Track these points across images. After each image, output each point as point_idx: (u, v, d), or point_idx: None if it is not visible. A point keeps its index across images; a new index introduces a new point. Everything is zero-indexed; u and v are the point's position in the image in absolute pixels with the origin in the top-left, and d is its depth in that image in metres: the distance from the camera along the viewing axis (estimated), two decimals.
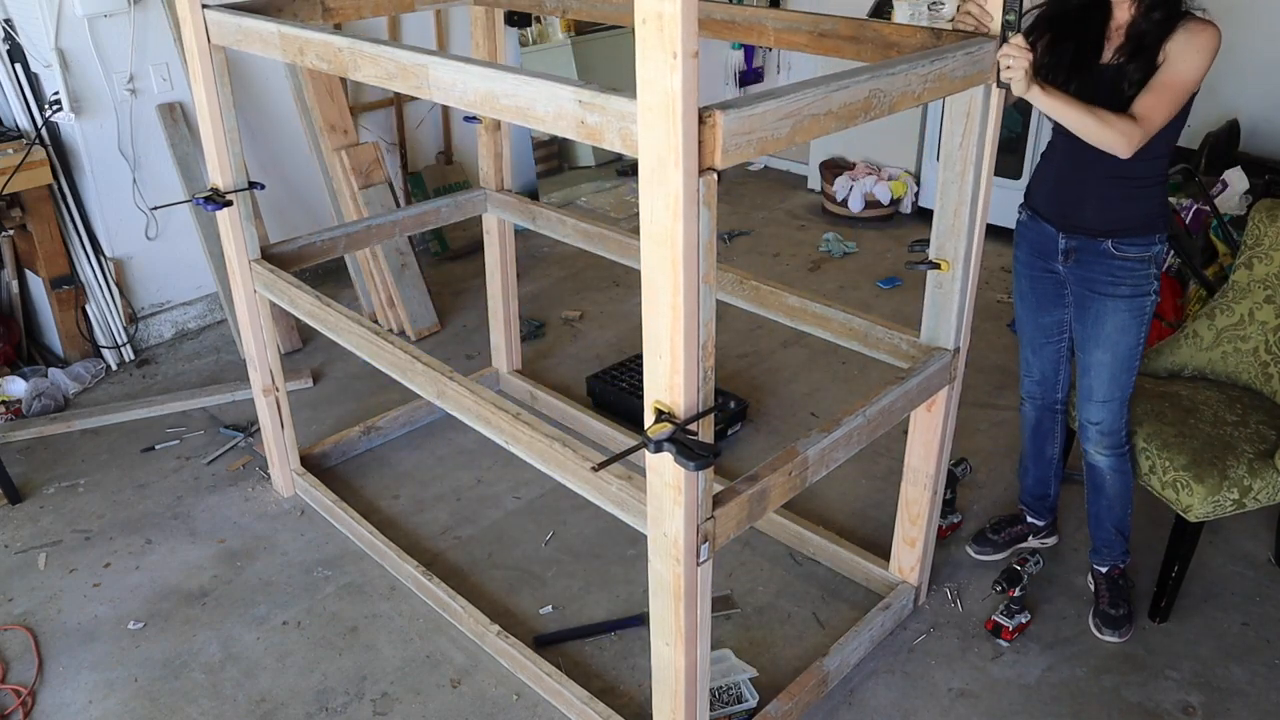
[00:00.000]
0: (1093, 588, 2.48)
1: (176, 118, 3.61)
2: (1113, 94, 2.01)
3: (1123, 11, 2.02)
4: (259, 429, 3.01)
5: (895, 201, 4.95)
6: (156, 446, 3.17)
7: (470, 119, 3.09)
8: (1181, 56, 1.95)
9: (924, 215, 4.94)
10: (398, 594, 2.55)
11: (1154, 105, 1.96)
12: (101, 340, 3.63)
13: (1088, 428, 2.31)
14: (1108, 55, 2.06)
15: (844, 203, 4.95)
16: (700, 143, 1.31)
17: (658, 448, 1.45)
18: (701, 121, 1.30)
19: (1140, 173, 2.08)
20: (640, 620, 2.42)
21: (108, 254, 3.60)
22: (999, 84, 1.88)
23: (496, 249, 3.22)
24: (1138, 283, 2.17)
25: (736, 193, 5.43)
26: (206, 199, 2.47)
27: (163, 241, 3.73)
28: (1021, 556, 2.46)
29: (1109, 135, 1.94)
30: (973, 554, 2.64)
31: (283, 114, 3.94)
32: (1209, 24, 1.97)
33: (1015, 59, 1.82)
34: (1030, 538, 2.66)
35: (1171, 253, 3.58)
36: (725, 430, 3.17)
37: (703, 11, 2.24)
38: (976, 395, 3.38)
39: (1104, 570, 2.43)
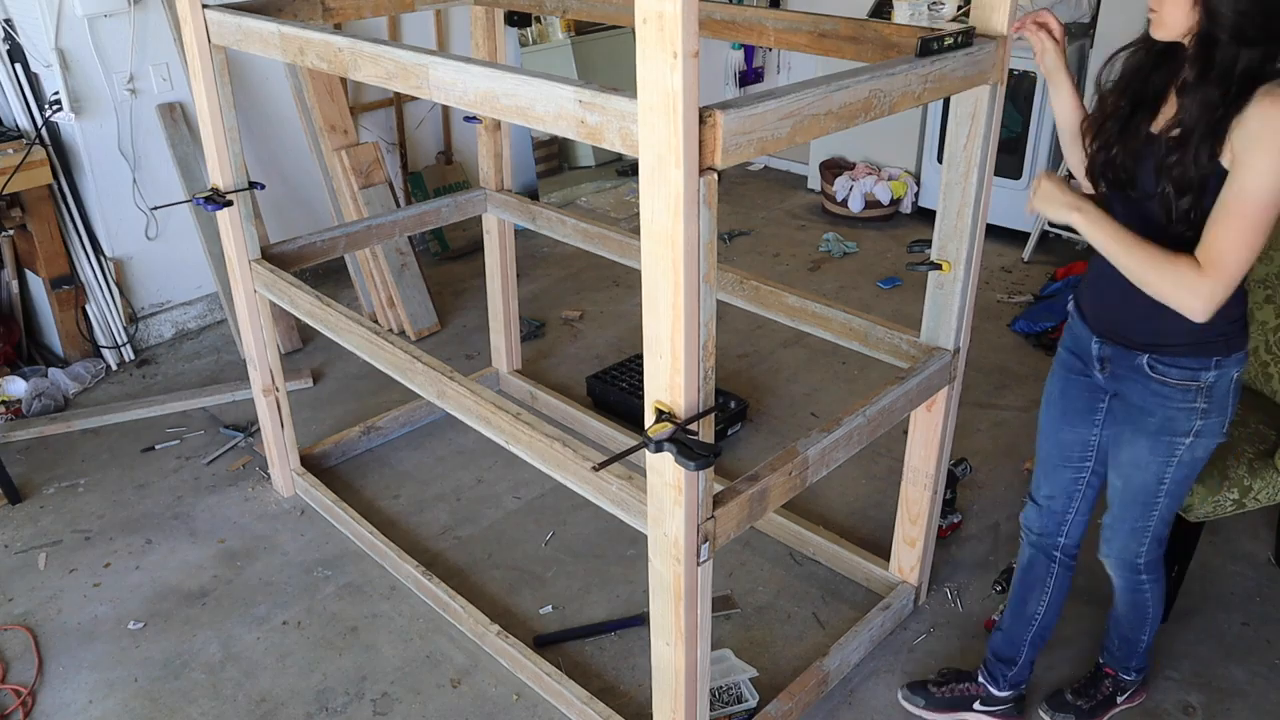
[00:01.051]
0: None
1: (176, 118, 3.61)
2: (1156, 179, 1.56)
3: (1188, 68, 1.51)
4: (259, 429, 3.01)
5: (895, 201, 4.95)
6: (156, 446, 3.17)
7: (470, 119, 3.09)
8: (1251, 161, 1.42)
9: (924, 215, 4.94)
10: (398, 594, 2.55)
11: (1225, 244, 1.46)
12: (101, 340, 3.63)
13: (1101, 545, 1.96)
14: (1160, 123, 1.59)
15: (844, 203, 4.95)
16: (700, 142, 1.31)
17: (658, 447, 1.45)
18: (702, 121, 1.30)
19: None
20: (640, 620, 2.42)
21: (108, 254, 3.60)
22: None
23: (496, 249, 3.22)
24: (1172, 416, 1.71)
25: (736, 193, 5.43)
26: (206, 199, 2.47)
27: (163, 241, 3.73)
28: None
29: (1171, 291, 1.51)
30: (900, 700, 2.20)
31: (283, 114, 3.94)
32: None
33: (1038, 190, 1.63)
34: (976, 705, 2.15)
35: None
36: (725, 430, 3.17)
37: (703, 11, 2.24)
38: (976, 395, 3.38)
39: (1100, 660, 2.17)
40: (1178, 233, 1.55)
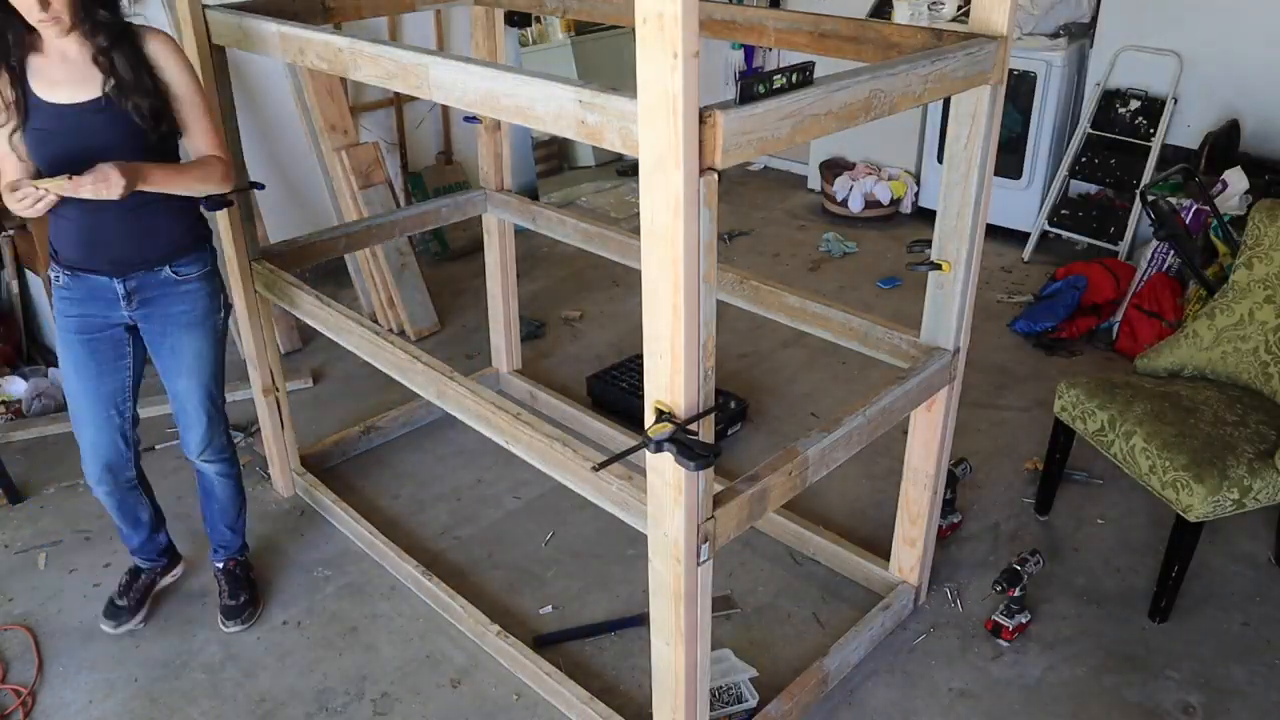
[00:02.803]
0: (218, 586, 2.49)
1: None
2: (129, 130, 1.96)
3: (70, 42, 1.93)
4: (259, 429, 3.01)
5: (895, 201, 4.95)
6: (156, 446, 3.17)
7: (470, 119, 3.09)
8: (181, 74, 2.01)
9: (924, 215, 4.94)
10: (398, 594, 2.55)
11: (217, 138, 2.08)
12: None
13: (193, 445, 2.33)
14: (84, 95, 1.94)
15: (844, 203, 4.95)
16: (700, 143, 1.31)
17: (658, 447, 1.45)
18: (701, 121, 1.30)
19: (164, 195, 2.01)
20: (640, 620, 2.42)
21: None
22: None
23: (496, 249, 3.22)
24: (205, 302, 2.18)
25: (736, 193, 5.43)
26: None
27: None
28: (1021, 556, 2.46)
29: (216, 178, 2.05)
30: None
31: (283, 114, 3.94)
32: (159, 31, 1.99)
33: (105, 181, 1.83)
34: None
35: (1171, 253, 3.58)
36: (725, 430, 3.17)
37: (703, 11, 2.24)
38: (976, 395, 3.38)
39: (220, 566, 2.50)
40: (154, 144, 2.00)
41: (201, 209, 2.10)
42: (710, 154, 1.32)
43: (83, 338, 2.13)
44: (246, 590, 2.47)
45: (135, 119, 1.94)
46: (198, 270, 2.16)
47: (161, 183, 1.95)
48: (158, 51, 1.96)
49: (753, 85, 1.38)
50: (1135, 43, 4.27)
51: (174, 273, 2.13)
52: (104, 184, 1.81)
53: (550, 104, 1.50)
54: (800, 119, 1.45)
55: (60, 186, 1.80)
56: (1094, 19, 4.42)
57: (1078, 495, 2.86)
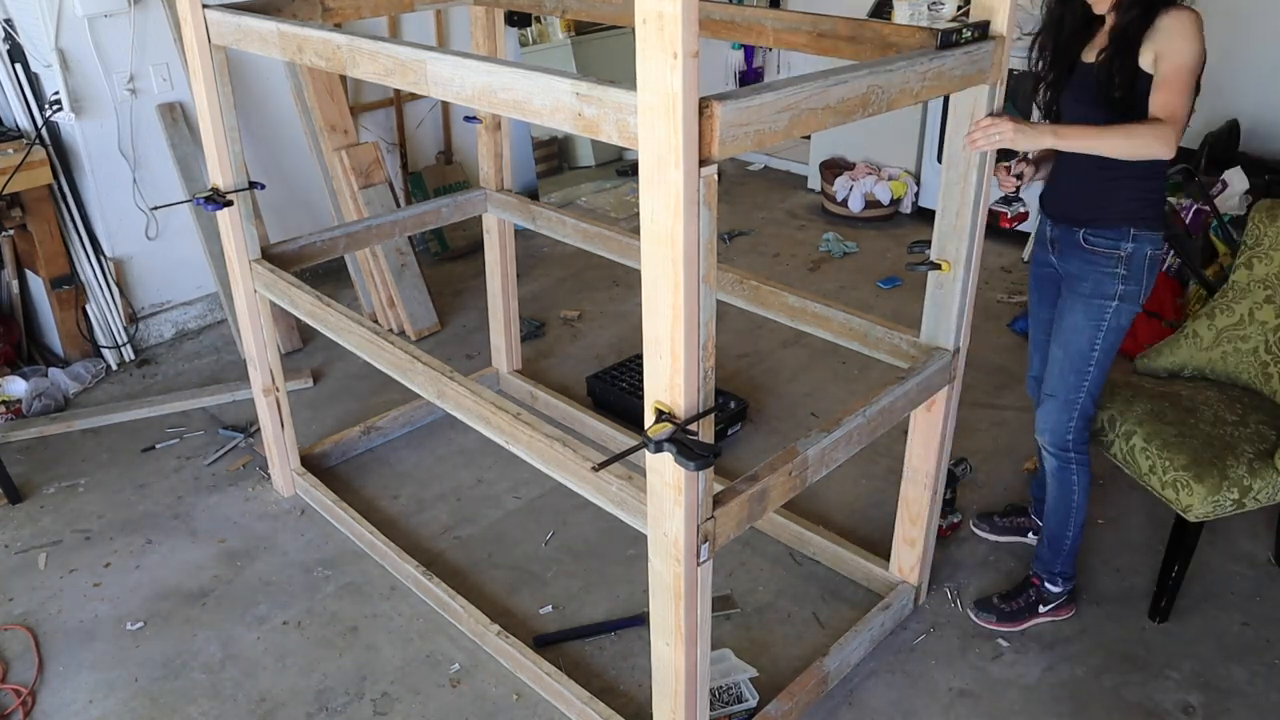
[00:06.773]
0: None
1: (176, 118, 3.61)
2: (1099, 91, 2.01)
3: (1109, 17, 2.03)
4: (259, 429, 3.01)
5: (895, 201, 4.95)
6: (156, 446, 3.17)
7: (470, 119, 3.09)
8: (1171, 47, 1.93)
9: (924, 215, 4.94)
10: (398, 594, 2.55)
11: (1168, 99, 1.92)
12: (101, 340, 3.63)
13: (1038, 421, 2.31)
14: (1091, 56, 2.07)
15: (844, 203, 4.95)
16: (698, 134, 1.31)
17: (658, 448, 1.45)
18: (699, 113, 1.30)
19: (1122, 162, 2.00)
20: (640, 620, 2.42)
21: (108, 254, 3.60)
22: (1007, 160, 2.14)
23: (496, 249, 3.22)
24: (1099, 281, 2.13)
25: (736, 192, 5.43)
26: (206, 199, 2.47)
27: (163, 241, 3.73)
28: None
29: (1143, 144, 1.91)
30: (972, 527, 2.73)
31: (283, 114, 3.94)
32: (1185, 9, 1.95)
33: (993, 126, 1.87)
34: (1029, 534, 2.66)
35: (1171, 253, 3.58)
36: (725, 430, 3.17)
37: (703, 11, 2.24)
38: (976, 395, 3.38)
39: (1030, 570, 2.44)
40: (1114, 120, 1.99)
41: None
42: (708, 145, 1.32)
43: (1033, 267, 2.40)
44: (1016, 604, 2.39)
45: (1106, 83, 2.00)
46: (1106, 245, 2.11)
47: (1076, 142, 1.95)
48: (1167, 24, 1.94)
49: (949, 36, 1.78)
50: None
51: (1084, 239, 2.14)
52: (992, 129, 1.88)
53: (547, 97, 1.50)
54: (798, 112, 1.45)
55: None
56: None
57: None
